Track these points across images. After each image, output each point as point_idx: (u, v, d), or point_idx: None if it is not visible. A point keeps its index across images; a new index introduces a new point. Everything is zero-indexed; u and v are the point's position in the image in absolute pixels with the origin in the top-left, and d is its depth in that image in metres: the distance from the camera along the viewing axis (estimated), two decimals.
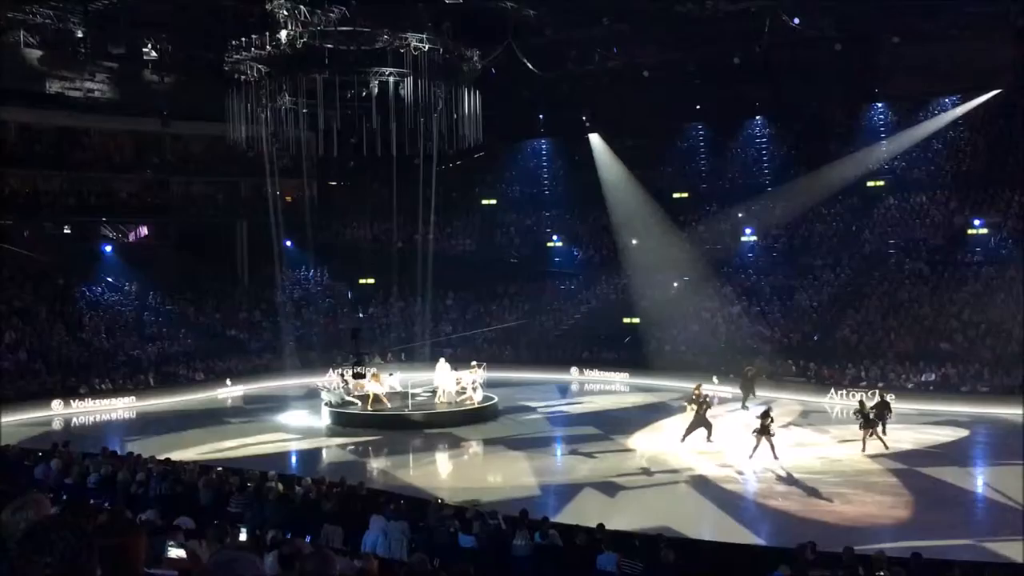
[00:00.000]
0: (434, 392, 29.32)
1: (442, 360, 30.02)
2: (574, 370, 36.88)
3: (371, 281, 44.10)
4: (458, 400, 28.54)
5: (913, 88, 37.44)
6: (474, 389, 28.60)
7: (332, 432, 27.38)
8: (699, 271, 40.13)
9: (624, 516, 17.07)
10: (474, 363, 29.89)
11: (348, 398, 28.71)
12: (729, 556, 13.64)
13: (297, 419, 29.17)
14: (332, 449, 25.71)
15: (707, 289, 39.05)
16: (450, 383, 28.73)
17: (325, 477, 17.01)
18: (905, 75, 35.33)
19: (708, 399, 24.59)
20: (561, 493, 20.09)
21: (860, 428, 22.88)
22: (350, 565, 8.03)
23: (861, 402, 24.20)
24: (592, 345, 38.06)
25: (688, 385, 30.17)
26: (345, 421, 27.98)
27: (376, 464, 24.26)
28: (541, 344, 39.70)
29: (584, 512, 16.92)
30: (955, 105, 38.74)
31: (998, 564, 12.43)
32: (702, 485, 20.32)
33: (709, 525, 17.60)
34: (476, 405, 28.35)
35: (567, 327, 40.44)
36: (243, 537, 10.05)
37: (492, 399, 29.34)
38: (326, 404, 28.70)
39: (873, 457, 22.33)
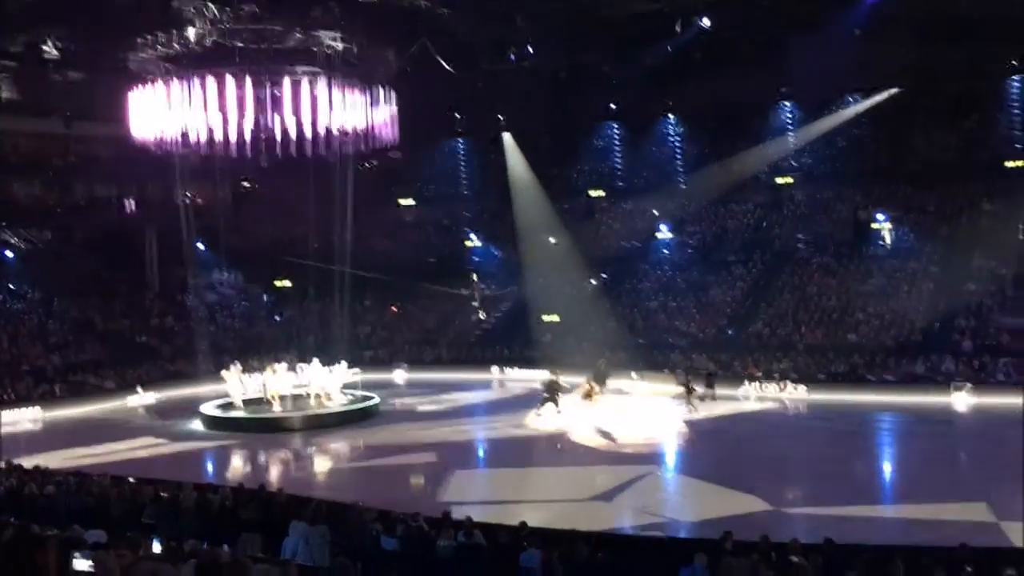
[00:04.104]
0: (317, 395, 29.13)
1: (315, 360, 29.77)
2: (495, 369, 36.91)
3: (287, 283, 43.36)
4: (315, 402, 28.62)
5: (818, 87, 38.57)
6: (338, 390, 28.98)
7: (204, 436, 26.99)
8: (616, 268, 40.69)
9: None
10: (344, 363, 30.04)
11: (238, 399, 28.49)
12: (646, 549, 13.84)
13: (175, 424, 28.68)
14: (193, 453, 25.18)
15: (624, 286, 39.59)
16: (319, 383, 28.78)
17: (242, 484, 16.67)
18: (810, 74, 36.33)
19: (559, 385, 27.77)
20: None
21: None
22: (269, 572, 7.90)
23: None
24: (512, 344, 38.12)
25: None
26: (218, 425, 27.64)
27: (242, 467, 24.01)
28: (462, 344, 39.64)
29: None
30: (857, 103, 40.19)
31: (910, 547, 12.86)
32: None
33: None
34: (341, 407, 28.60)
35: (488, 326, 40.46)
36: (157, 548, 9.77)
37: (372, 398, 29.55)
38: (217, 407, 28.58)
39: None
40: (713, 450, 23.96)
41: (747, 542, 11.98)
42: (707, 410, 28.05)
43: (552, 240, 42.54)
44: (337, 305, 39.20)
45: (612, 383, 30.38)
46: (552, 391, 27.42)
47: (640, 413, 27.36)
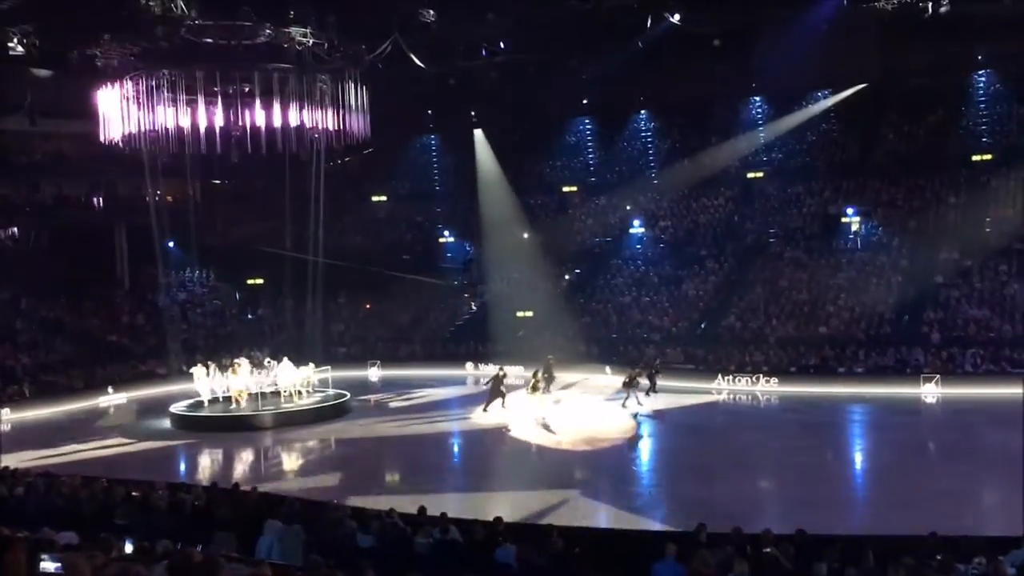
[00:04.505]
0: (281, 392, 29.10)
1: (285, 359, 29.78)
2: (469, 365, 36.90)
3: (260, 281, 43.11)
4: (285, 399, 28.63)
5: (787, 82, 38.93)
6: (307, 388, 29.12)
7: (174, 436, 26.78)
8: (589, 263, 40.85)
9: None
10: (311, 364, 30.03)
11: (206, 397, 28.46)
12: (622, 543, 13.90)
13: (145, 424, 28.51)
14: (163, 453, 24.91)
15: (598, 281, 39.76)
16: (288, 381, 28.85)
17: (216, 483, 16.59)
18: (780, 70, 36.63)
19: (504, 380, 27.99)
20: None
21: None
22: (242, 572, 7.87)
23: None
24: (487, 339, 38.11)
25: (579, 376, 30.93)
26: (188, 424, 27.49)
27: (214, 466, 23.88)
28: (436, 340, 39.61)
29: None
30: (825, 98, 40.66)
31: (879, 537, 13.02)
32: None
33: None
34: (311, 404, 28.56)
35: (461, 322, 40.45)
36: (129, 548, 9.69)
37: (344, 395, 29.55)
38: (186, 406, 28.51)
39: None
40: (657, 456, 23.91)
41: (720, 533, 12.09)
42: (651, 404, 28.10)
43: (525, 235, 42.61)
44: (310, 302, 39.09)
45: (566, 378, 31.12)
46: (497, 386, 27.65)
47: (585, 409, 27.89)
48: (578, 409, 28.10)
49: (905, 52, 35.25)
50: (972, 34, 33.70)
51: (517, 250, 41.72)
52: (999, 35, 33.10)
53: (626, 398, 27.68)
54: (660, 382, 29.28)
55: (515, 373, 30.10)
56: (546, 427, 25.36)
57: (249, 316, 42.50)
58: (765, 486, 20.09)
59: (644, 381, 28.43)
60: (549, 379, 29.08)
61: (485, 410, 27.44)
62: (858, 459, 23.12)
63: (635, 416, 26.80)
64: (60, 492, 15.41)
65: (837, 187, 39.56)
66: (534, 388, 27.01)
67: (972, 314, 31.53)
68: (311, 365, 29.91)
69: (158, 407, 30.21)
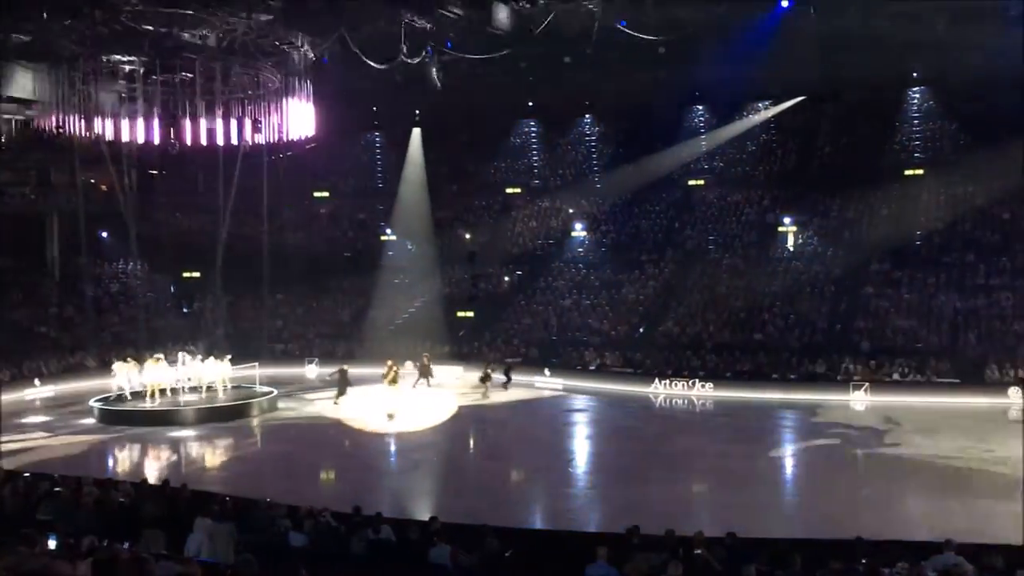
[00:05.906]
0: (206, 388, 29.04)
1: (212, 357, 29.75)
2: (409, 364, 36.67)
3: (196, 275, 42.34)
4: (206, 395, 28.63)
5: (729, 92, 39.51)
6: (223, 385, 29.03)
7: (97, 430, 26.18)
8: (531, 265, 40.99)
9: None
10: (228, 356, 29.98)
11: (125, 392, 28.07)
12: (553, 543, 13.97)
13: (69, 418, 27.81)
14: (87, 447, 24.27)
15: (539, 283, 39.90)
16: (206, 377, 28.88)
17: (145, 479, 16.24)
18: (722, 79, 37.15)
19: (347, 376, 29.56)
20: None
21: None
22: (171, 570, 7.74)
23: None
24: (427, 339, 37.97)
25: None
26: (111, 419, 26.94)
27: (140, 461, 23.43)
28: (375, 339, 39.29)
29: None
30: (766, 109, 41.46)
31: (807, 541, 13.28)
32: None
33: None
34: (235, 401, 28.42)
35: (401, 321, 40.24)
36: (52, 545, 9.44)
37: (271, 392, 29.39)
38: (110, 400, 27.97)
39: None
40: (593, 458, 23.97)
41: (654, 536, 12.20)
42: (502, 396, 30.69)
43: (467, 236, 42.59)
44: (248, 297, 38.50)
45: (439, 375, 32.49)
46: (342, 382, 29.18)
47: (424, 403, 28.95)
48: (424, 401, 29.28)
49: (843, 66, 36.02)
50: (908, 51, 34.58)
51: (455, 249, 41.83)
52: (934, 53, 34.02)
53: (486, 390, 30.48)
54: (617, 386, 30.05)
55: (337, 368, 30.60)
56: (390, 416, 26.56)
57: (185, 310, 41.72)
58: (697, 489, 20.34)
59: (499, 376, 31.60)
60: (427, 374, 31.02)
61: (336, 403, 28.73)
62: (788, 464, 23.55)
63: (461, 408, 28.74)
64: None
65: (775, 196, 40.32)
66: (392, 380, 28.45)
67: (900, 324, 32.39)
68: (227, 361, 29.61)
69: (83, 400, 29.44)
